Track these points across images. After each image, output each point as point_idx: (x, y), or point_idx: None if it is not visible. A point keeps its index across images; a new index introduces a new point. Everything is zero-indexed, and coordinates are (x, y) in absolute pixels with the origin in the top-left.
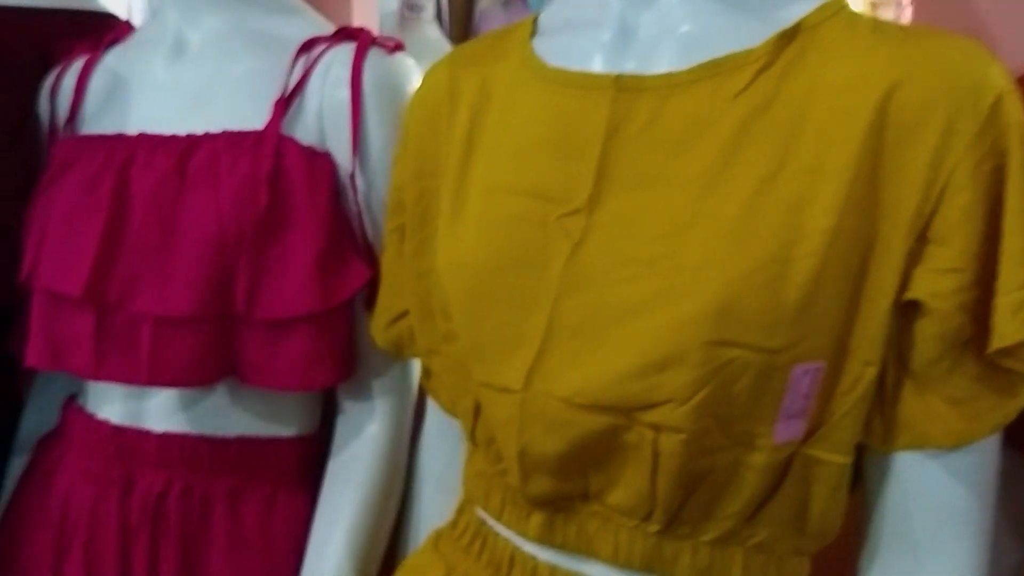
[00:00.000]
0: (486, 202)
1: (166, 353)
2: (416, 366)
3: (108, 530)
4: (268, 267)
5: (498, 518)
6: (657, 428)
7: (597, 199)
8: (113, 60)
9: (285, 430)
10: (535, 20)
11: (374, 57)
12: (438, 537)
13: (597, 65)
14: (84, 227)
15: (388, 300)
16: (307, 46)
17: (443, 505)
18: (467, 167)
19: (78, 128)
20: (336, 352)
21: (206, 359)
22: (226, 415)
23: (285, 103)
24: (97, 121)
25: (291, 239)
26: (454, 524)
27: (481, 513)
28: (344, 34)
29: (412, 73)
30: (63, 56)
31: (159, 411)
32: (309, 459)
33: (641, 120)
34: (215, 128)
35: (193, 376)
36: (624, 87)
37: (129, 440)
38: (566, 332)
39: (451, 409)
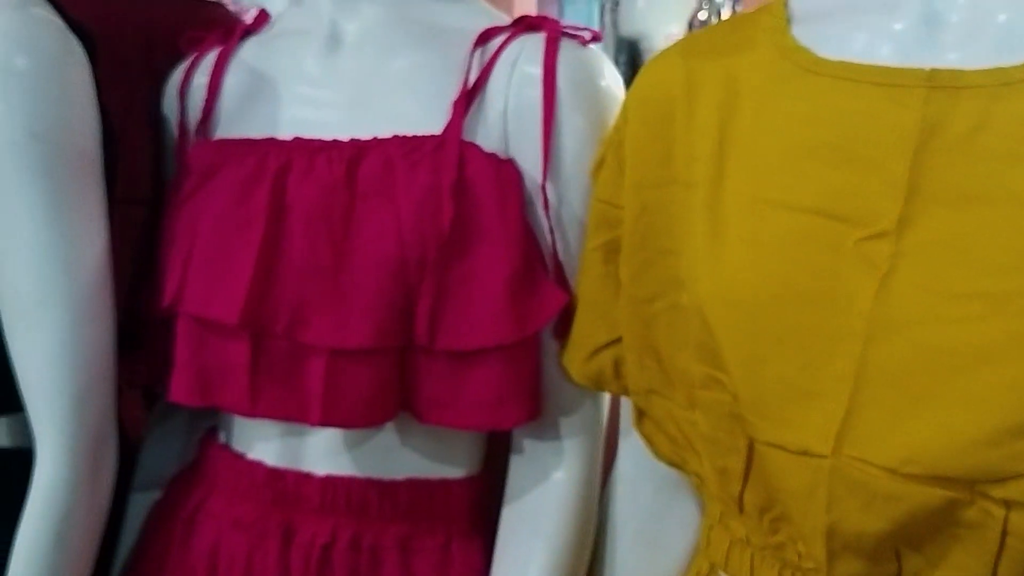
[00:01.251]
0: (753, 219)
1: (341, 389)
2: (606, 401)
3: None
4: (453, 291)
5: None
6: (1009, 504)
7: (908, 220)
8: (251, 54)
9: (455, 471)
10: (785, 5)
11: (567, 51)
12: None
13: (889, 57)
14: (236, 244)
15: (589, 328)
16: (483, 37)
17: (644, 562)
18: (720, 177)
19: (213, 130)
20: (526, 387)
21: (383, 395)
22: (394, 455)
23: (465, 103)
24: (237, 123)
25: (479, 259)
26: None
27: None
28: (525, 24)
29: (608, 69)
30: (189, 48)
31: (321, 451)
32: (478, 503)
33: (963, 125)
34: (382, 131)
35: (370, 415)
36: (939, 84)
37: (288, 484)
38: (882, 383)
39: (675, 461)
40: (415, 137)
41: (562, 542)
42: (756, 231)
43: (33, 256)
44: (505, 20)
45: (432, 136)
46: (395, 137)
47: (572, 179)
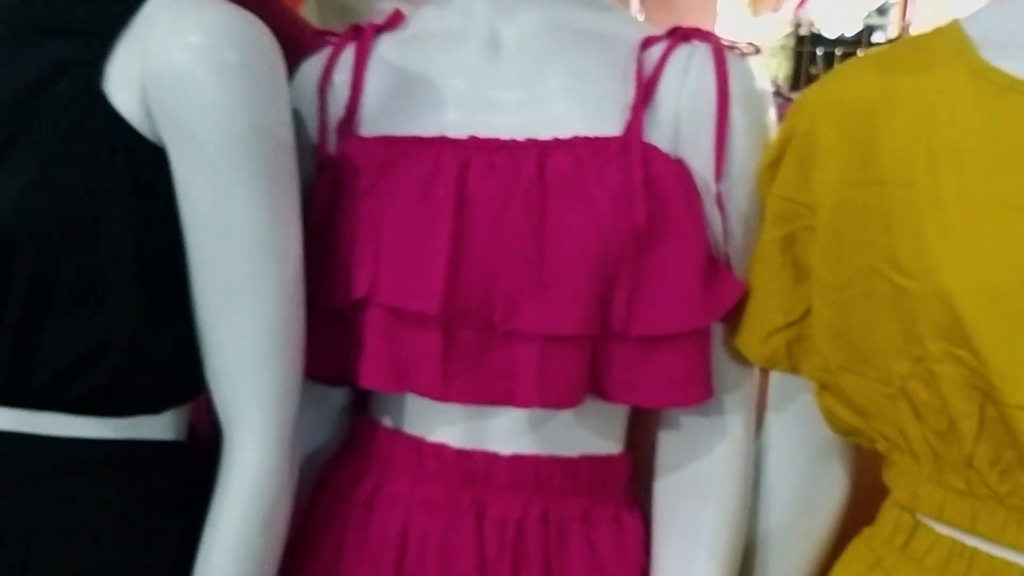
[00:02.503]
0: (988, 219)
1: (552, 373)
2: (757, 379)
3: (464, 563)
4: (647, 281)
5: (998, 540)
6: None
7: None
8: (393, 53)
9: (616, 447)
10: (961, 29)
11: (734, 62)
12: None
13: None
14: (426, 238)
15: (765, 313)
16: (645, 45)
17: (796, 524)
18: (936, 181)
19: (359, 127)
20: (705, 367)
21: (583, 378)
22: (572, 433)
23: (643, 107)
24: (387, 120)
25: (670, 251)
26: (904, 547)
27: (952, 532)
28: (681, 34)
29: (762, 77)
30: (312, 45)
31: (505, 432)
32: (629, 477)
33: None
34: (552, 132)
35: (575, 396)
36: None
37: (477, 464)
38: None
39: (856, 428)
40: (598, 138)
41: (732, 508)
42: (994, 229)
43: (251, 248)
44: (650, 29)
45: (614, 138)
46: (577, 138)
47: (740, 179)
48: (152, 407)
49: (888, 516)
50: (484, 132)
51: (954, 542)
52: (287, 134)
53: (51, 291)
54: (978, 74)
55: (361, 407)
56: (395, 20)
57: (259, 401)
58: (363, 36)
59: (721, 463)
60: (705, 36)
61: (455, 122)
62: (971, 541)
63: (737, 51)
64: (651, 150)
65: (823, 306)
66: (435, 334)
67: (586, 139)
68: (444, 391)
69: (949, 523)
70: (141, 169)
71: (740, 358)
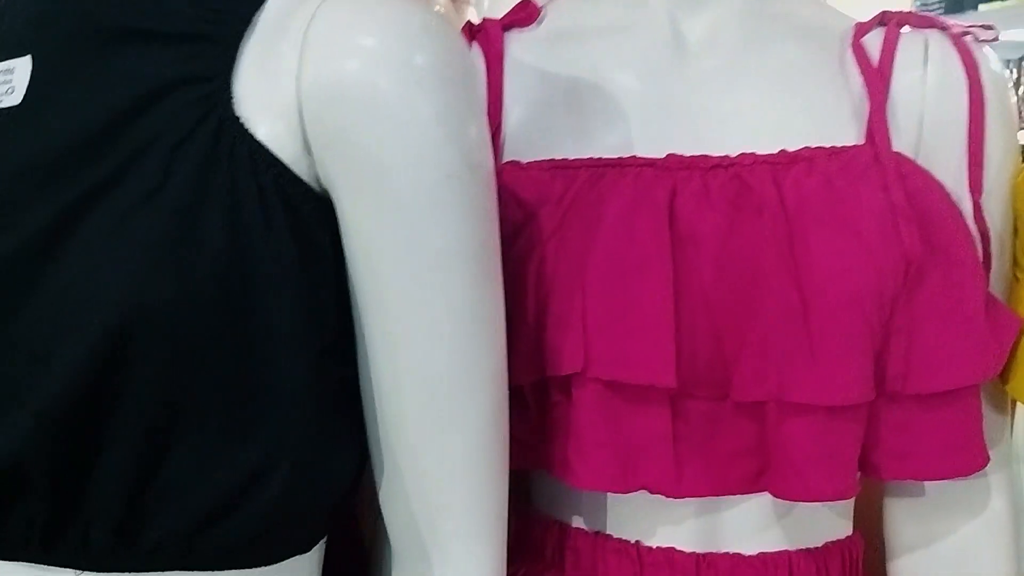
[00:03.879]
0: None
1: (825, 453)
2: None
3: None
4: (923, 324)
5: None
6: None
7: None
8: (534, 54)
9: (850, 525)
10: None
11: (978, 52)
12: None
13: None
14: (640, 289)
15: None
16: (858, 34)
17: None
18: None
19: (503, 150)
20: (981, 424)
21: (856, 455)
22: (816, 517)
23: (882, 109)
24: (547, 140)
25: (944, 285)
26: None
27: None
28: (898, 19)
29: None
30: None
31: (746, 525)
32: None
33: None
34: (773, 144)
35: (851, 479)
36: None
37: (720, 570)
38: None
39: None
40: (841, 149)
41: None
42: None
43: (464, 337)
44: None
45: (859, 147)
46: (814, 150)
47: (996, 190)
48: (305, 545)
49: None
50: (684, 148)
51: None
52: (492, 168)
53: (182, 407)
54: None
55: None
56: (526, 14)
57: (475, 531)
58: (489, 35)
59: (985, 538)
60: (930, 21)
61: (642, 137)
62: None
63: (973, 37)
64: (905, 161)
65: None
66: (663, 412)
67: (826, 150)
68: (679, 485)
69: None
70: (304, 225)
71: (1000, 408)
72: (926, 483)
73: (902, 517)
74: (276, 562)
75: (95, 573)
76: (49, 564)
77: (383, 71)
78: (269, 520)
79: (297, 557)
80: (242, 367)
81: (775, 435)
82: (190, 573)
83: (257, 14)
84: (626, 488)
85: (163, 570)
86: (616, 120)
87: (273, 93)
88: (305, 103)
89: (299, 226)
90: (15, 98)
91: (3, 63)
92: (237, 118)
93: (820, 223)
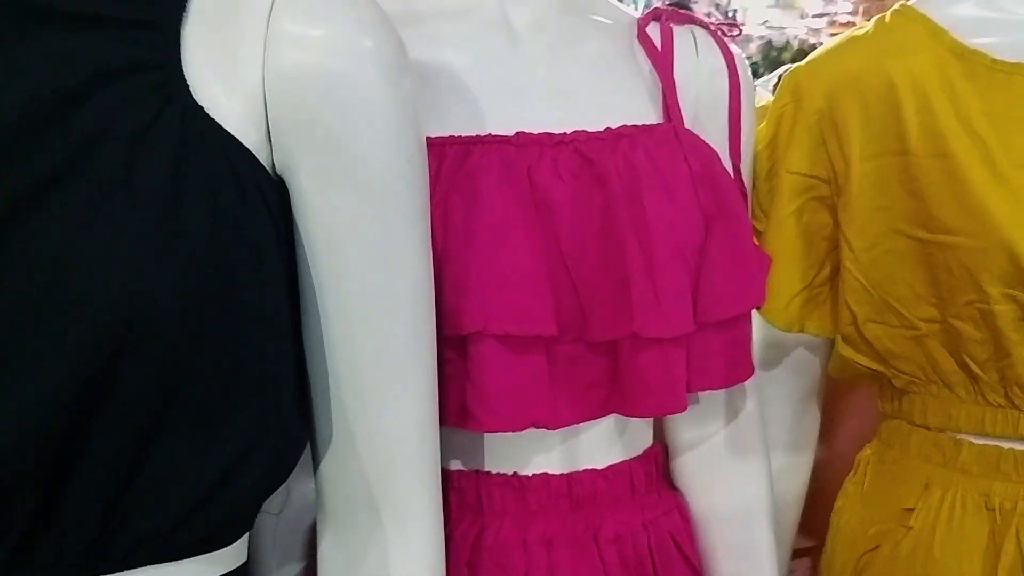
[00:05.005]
0: (1020, 180)
1: (671, 377)
2: None
3: None
4: (721, 267)
5: (990, 432)
6: None
7: None
8: None
9: (651, 435)
10: (921, 14)
11: (732, 44)
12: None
13: None
14: (515, 251)
15: (786, 280)
16: (640, 27)
17: (794, 459)
18: (976, 151)
19: None
20: (751, 343)
21: (684, 375)
22: (640, 431)
23: (673, 93)
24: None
25: (730, 235)
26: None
27: (992, 441)
28: (668, 16)
29: None
30: None
31: (598, 445)
32: None
33: None
34: (598, 122)
35: (684, 396)
36: None
37: (584, 485)
38: None
39: (876, 369)
40: (653, 127)
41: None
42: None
43: (414, 302)
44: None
45: (662, 124)
46: (628, 127)
47: (747, 157)
48: (250, 523)
49: (907, 442)
50: (527, 126)
51: (998, 450)
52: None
53: (169, 401)
54: (962, 56)
55: None
56: None
57: (422, 480)
58: None
59: (745, 431)
60: (692, 18)
61: (491, 115)
62: (1009, 445)
63: (724, 32)
64: (694, 136)
65: (852, 267)
66: (541, 357)
67: (640, 128)
68: (558, 417)
69: (990, 434)
70: (273, 211)
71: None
72: (702, 393)
73: (682, 423)
74: (239, 539)
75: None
76: None
77: (352, 62)
78: (246, 505)
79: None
80: (228, 355)
81: (628, 366)
82: (156, 567)
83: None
84: (522, 426)
85: (136, 567)
86: (464, 98)
87: (233, 82)
88: (270, 93)
89: (271, 212)
90: None
91: None
92: (200, 107)
93: (649, 189)
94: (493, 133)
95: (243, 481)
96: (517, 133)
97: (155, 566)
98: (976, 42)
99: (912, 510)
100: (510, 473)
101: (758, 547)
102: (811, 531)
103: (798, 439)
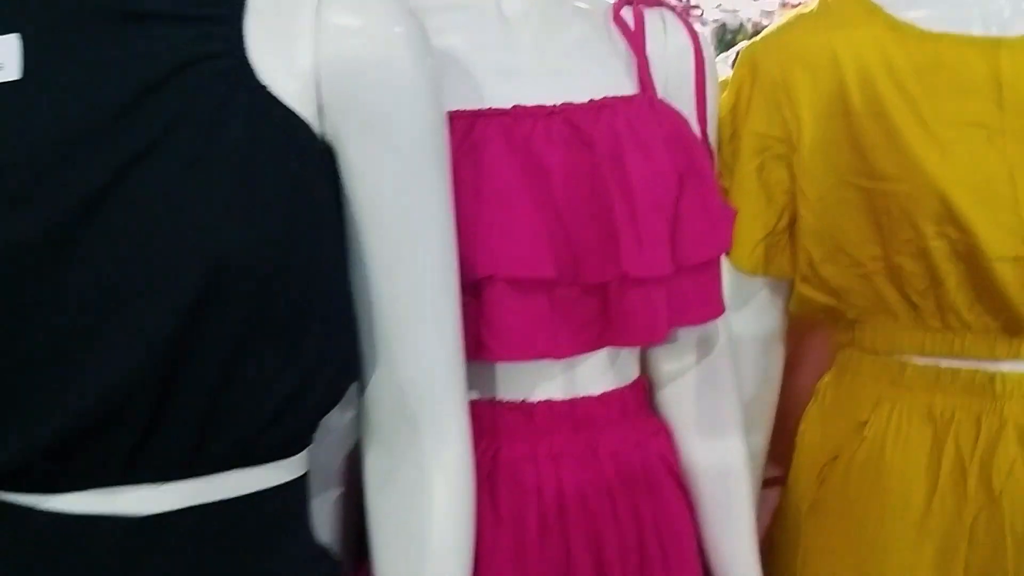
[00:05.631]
0: (954, 132)
1: (654, 312)
2: None
3: (599, 500)
4: (695, 216)
5: (970, 355)
6: None
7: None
8: None
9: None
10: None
11: (696, 24)
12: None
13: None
14: (517, 207)
15: (749, 229)
16: (616, 11)
17: (763, 392)
18: (902, 108)
19: None
20: (721, 284)
21: (667, 310)
22: (629, 362)
23: (646, 69)
24: None
25: (703, 189)
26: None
27: (932, 360)
28: (645, 1)
29: None
30: None
31: (593, 375)
32: None
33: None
34: (577, 94)
35: (665, 328)
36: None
37: (582, 409)
38: None
39: (829, 306)
40: (629, 98)
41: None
42: (961, 139)
43: (440, 244)
44: None
45: (638, 96)
46: (608, 99)
47: (711, 122)
48: (311, 437)
49: (859, 367)
50: (523, 100)
51: (937, 367)
52: None
53: (252, 332)
54: (896, 28)
55: None
56: None
57: (454, 395)
58: None
59: (723, 360)
60: (659, 1)
61: (491, 92)
62: (946, 363)
63: (687, 13)
64: (666, 105)
65: (807, 214)
66: (543, 298)
67: (619, 99)
68: (560, 349)
69: (930, 354)
70: (330, 173)
71: None
72: (680, 329)
73: (663, 357)
74: (303, 450)
75: (165, 483)
76: (125, 484)
77: (386, 46)
78: (312, 419)
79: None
80: (299, 294)
81: (617, 303)
82: (241, 470)
83: None
84: (530, 356)
85: (226, 470)
86: (465, 79)
87: (290, 66)
88: (321, 75)
89: (325, 174)
90: (10, 73)
91: None
92: (264, 87)
93: (629, 151)
94: (493, 108)
95: (311, 397)
96: (514, 107)
97: (241, 470)
98: (907, 15)
99: (866, 423)
100: (519, 400)
101: (733, 463)
102: (779, 461)
103: (766, 372)
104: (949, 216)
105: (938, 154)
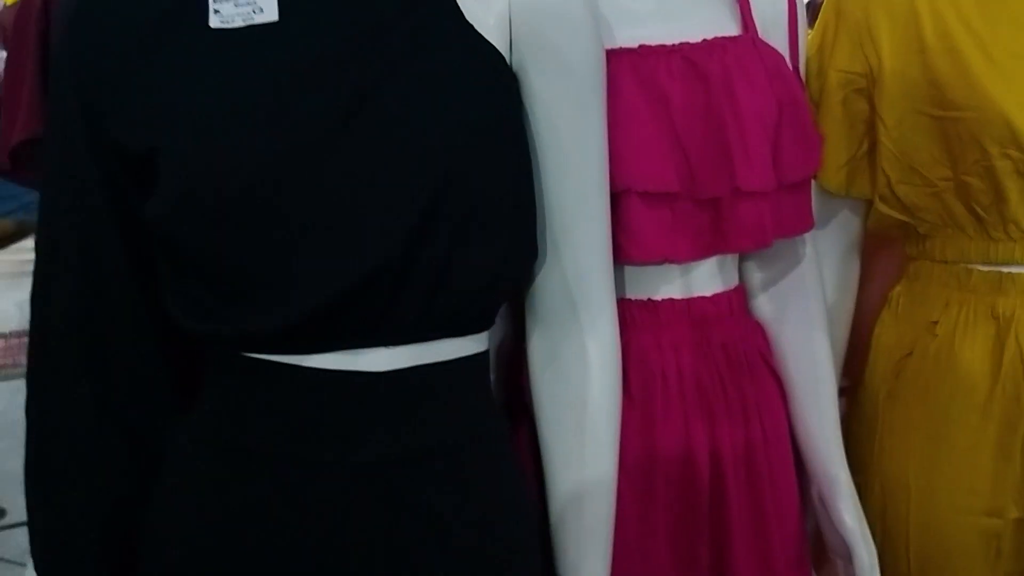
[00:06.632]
0: (1014, 66)
1: (765, 221)
2: None
3: (713, 382)
4: (790, 140)
5: (993, 260)
6: None
7: None
8: None
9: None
10: None
11: None
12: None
13: None
14: (648, 132)
15: (835, 153)
16: None
17: (842, 297)
18: (975, 45)
19: None
20: (811, 200)
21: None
22: (731, 270)
23: (749, 13)
24: None
25: (797, 119)
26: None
27: (996, 267)
28: None
29: None
30: None
31: (706, 278)
32: None
33: None
34: (694, 35)
35: (770, 236)
36: None
37: (698, 308)
38: None
39: (904, 220)
40: (737, 38)
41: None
42: (1020, 69)
43: (599, 152)
44: None
45: (742, 36)
46: (718, 39)
47: (801, 59)
48: (496, 313)
49: (930, 275)
50: (646, 41)
51: (999, 273)
52: None
53: (469, 219)
54: None
55: None
56: None
57: (607, 284)
58: None
59: (807, 269)
60: None
61: (620, 35)
62: (1008, 269)
63: None
64: (765, 43)
65: (886, 140)
66: (666, 209)
67: (727, 39)
68: (680, 253)
69: (994, 261)
70: (517, 94)
71: None
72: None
73: (760, 265)
74: (491, 326)
75: (400, 346)
76: (368, 347)
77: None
78: (503, 296)
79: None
80: (501, 189)
81: (729, 214)
82: (451, 338)
83: None
84: (658, 258)
85: (443, 338)
86: (602, 21)
87: (488, 8)
88: (513, 16)
89: (515, 94)
90: (269, 15)
91: None
92: (471, 25)
93: (738, 81)
94: (623, 47)
95: (507, 275)
96: (640, 46)
97: (451, 339)
98: None
99: (936, 322)
100: (645, 298)
101: (820, 354)
102: (847, 373)
103: (844, 281)
104: (1012, 138)
105: (1003, 84)
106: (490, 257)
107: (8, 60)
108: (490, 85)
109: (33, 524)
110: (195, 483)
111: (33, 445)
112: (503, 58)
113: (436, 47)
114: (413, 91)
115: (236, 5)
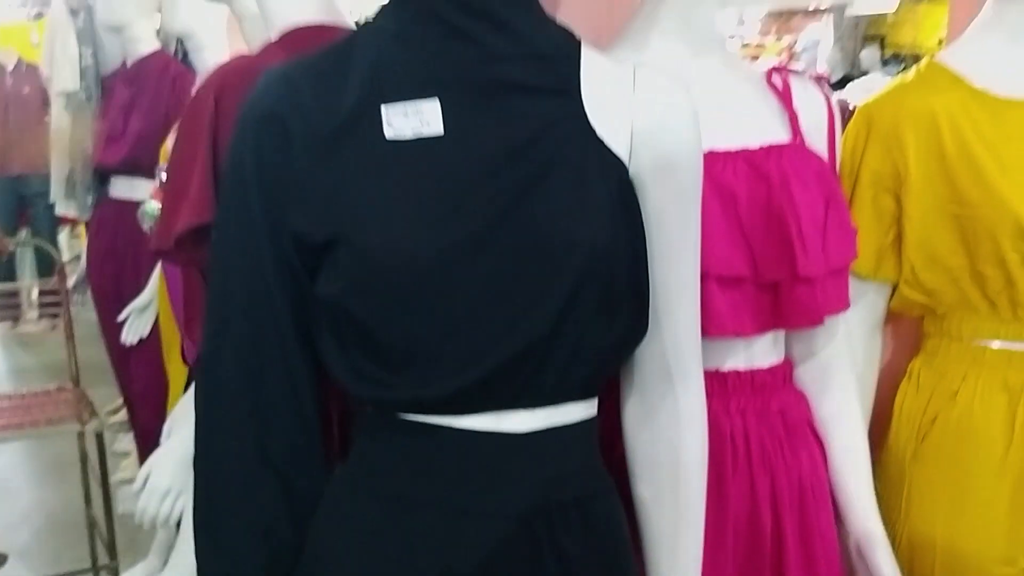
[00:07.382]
0: (1019, 172)
1: (816, 302)
2: None
3: (774, 445)
4: (833, 232)
5: (1004, 338)
6: None
7: None
8: None
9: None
10: (943, 66)
11: (826, 88)
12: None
13: None
14: (718, 227)
15: (868, 242)
16: (768, 77)
17: (868, 371)
18: (989, 157)
19: None
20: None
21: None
22: (780, 344)
23: (796, 122)
24: None
25: (839, 213)
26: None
27: (1005, 344)
28: (780, 70)
29: None
30: None
31: (762, 352)
32: None
33: None
34: (752, 140)
35: (822, 316)
36: None
37: (758, 378)
38: None
39: (926, 307)
40: (787, 143)
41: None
42: None
43: (695, 248)
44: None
45: (793, 143)
46: (775, 145)
47: (837, 161)
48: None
49: (948, 351)
50: (713, 146)
51: (1010, 351)
52: None
53: (602, 302)
54: (975, 96)
55: None
56: None
57: (697, 357)
58: None
59: (840, 348)
60: (795, 72)
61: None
62: (1017, 346)
63: (819, 79)
64: (811, 149)
65: (911, 232)
66: (737, 291)
67: (783, 145)
68: (745, 328)
69: (1004, 339)
70: (634, 199)
71: None
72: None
73: (803, 341)
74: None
75: (539, 408)
76: (511, 409)
77: (680, 117)
78: (617, 367)
79: None
80: (627, 276)
81: (788, 296)
82: (575, 402)
83: (579, 76)
84: (732, 334)
85: (572, 401)
86: None
87: (614, 124)
88: (635, 132)
89: (633, 196)
90: (435, 129)
91: (411, 103)
92: (601, 139)
93: (793, 181)
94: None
95: (627, 348)
96: (709, 151)
97: (576, 402)
98: (981, 84)
99: (956, 392)
100: (714, 370)
101: (854, 421)
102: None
103: (870, 355)
104: (1022, 234)
105: (1013, 187)
106: (616, 334)
107: (177, 151)
108: (618, 190)
109: (202, 569)
110: (352, 529)
111: (201, 492)
112: (625, 167)
113: (574, 157)
114: (557, 195)
115: (406, 116)
